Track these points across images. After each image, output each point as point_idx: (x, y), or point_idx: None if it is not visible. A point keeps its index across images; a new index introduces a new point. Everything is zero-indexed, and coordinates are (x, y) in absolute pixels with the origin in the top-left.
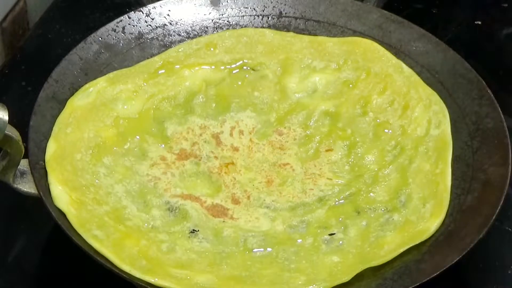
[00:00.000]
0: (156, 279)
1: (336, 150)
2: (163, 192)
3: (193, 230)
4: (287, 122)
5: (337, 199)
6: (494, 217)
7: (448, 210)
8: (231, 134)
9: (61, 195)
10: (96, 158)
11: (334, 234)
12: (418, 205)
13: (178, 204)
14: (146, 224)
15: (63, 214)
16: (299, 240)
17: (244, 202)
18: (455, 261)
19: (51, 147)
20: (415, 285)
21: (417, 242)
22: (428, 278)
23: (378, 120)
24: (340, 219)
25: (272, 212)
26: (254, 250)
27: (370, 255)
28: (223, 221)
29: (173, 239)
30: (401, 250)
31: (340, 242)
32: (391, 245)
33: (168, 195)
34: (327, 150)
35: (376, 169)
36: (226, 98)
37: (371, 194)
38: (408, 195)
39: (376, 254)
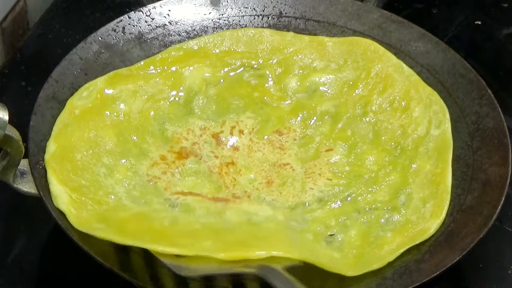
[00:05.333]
0: (161, 247)
1: (336, 150)
2: (163, 191)
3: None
4: (287, 122)
5: (337, 200)
6: (494, 217)
7: (448, 210)
8: (231, 134)
9: (61, 195)
10: (96, 158)
11: (333, 234)
12: (418, 205)
13: (179, 200)
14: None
15: (63, 214)
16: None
17: (245, 200)
18: (455, 261)
19: (51, 147)
20: (415, 285)
21: (417, 242)
22: (428, 278)
23: (378, 120)
24: (340, 219)
25: (272, 210)
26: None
27: (370, 256)
28: (226, 204)
29: (175, 216)
30: (401, 250)
31: (340, 243)
32: (391, 245)
33: (168, 193)
34: (327, 150)
35: (376, 169)
36: (226, 99)
37: (371, 194)
38: (408, 195)
39: (376, 255)
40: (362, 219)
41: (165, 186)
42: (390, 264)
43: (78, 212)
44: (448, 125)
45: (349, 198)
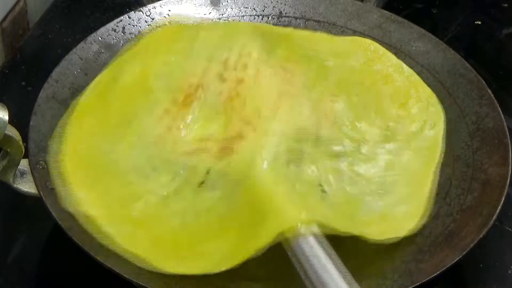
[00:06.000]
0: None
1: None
2: (169, 154)
3: (201, 182)
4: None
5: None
6: (494, 217)
7: (427, 214)
8: (235, 69)
9: (68, 196)
10: (104, 150)
11: (325, 192)
12: (399, 200)
13: (187, 164)
14: (155, 197)
15: (63, 214)
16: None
17: (250, 136)
18: (455, 261)
19: (55, 146)
20: (415, 285)
21: (391, 237)
22: (428, 278)
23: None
24: (331, 176)
25: (276, 146)
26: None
27: (357, 221)
28: (230, 156)
29: (184, 206)
30: (384, 237)
31: (331, 198)
32: (374, 227)
33: (173, 156)
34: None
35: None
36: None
37: (364, 163)
38: (392, 186)
39: (362, 221)
40: (350, 188)
41: (170, 148)
42: (390, 264)
43: (86, 212)
44: (441, 128)
45: (342, 159)
